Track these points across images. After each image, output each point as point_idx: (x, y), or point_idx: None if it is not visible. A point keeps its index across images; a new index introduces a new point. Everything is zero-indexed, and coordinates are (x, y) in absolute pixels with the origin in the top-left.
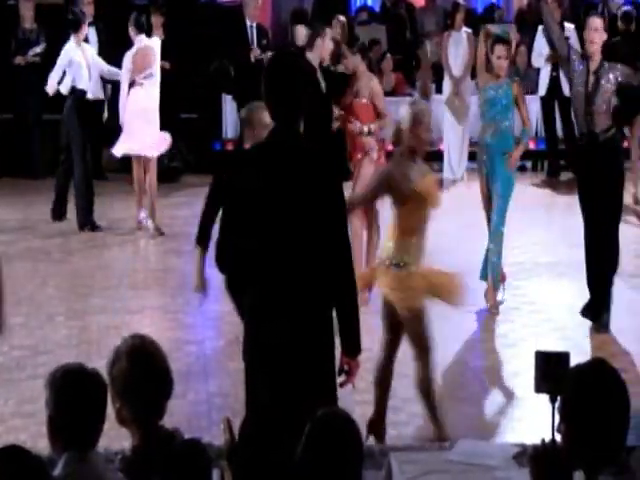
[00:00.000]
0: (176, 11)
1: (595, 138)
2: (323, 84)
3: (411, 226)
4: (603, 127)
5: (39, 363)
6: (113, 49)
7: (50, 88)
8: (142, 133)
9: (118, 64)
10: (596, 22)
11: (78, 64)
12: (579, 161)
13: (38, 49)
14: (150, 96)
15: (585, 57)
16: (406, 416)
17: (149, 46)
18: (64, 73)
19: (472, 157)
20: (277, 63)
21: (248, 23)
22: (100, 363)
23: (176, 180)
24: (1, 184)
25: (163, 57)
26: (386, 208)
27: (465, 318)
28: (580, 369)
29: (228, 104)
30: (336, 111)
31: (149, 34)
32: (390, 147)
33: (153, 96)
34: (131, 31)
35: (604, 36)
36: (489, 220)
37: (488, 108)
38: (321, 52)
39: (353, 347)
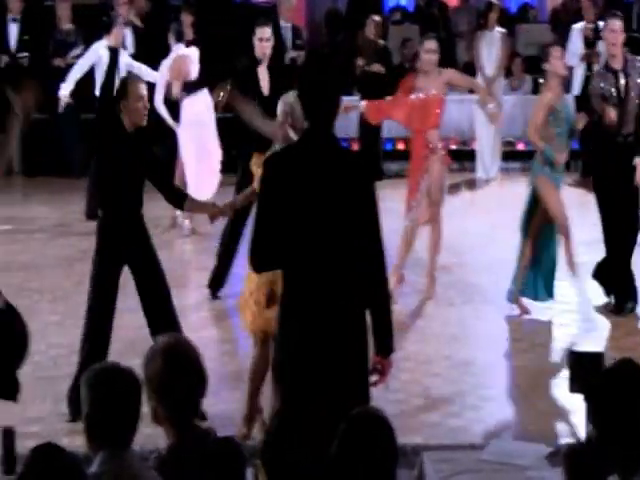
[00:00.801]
0: (210, 11)
1: (625, 138)
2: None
3: None
4: (630, 130)
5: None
6: (149, 49)
7: (64, 91)
8: (198, 142)
9: (154, 65)
10: (615, 23)
11: (105, 65)
12: (603, 161)
13: (78, 51)
14: (200, 106)
15: (609, 68)
16: (439, 416)
17: (185, 55)
18: (92, 74)
19: (505, 157)
20: (311, 64)
21: (282, 23)
22: (135, 362)
23: None
24: (38, 183)
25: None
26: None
27: (497, 317)
28: (608, 369)
29: None
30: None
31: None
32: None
33: (202, 104)
34: (170, 39)
35: (622, 36)
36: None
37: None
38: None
39: (386, 346)
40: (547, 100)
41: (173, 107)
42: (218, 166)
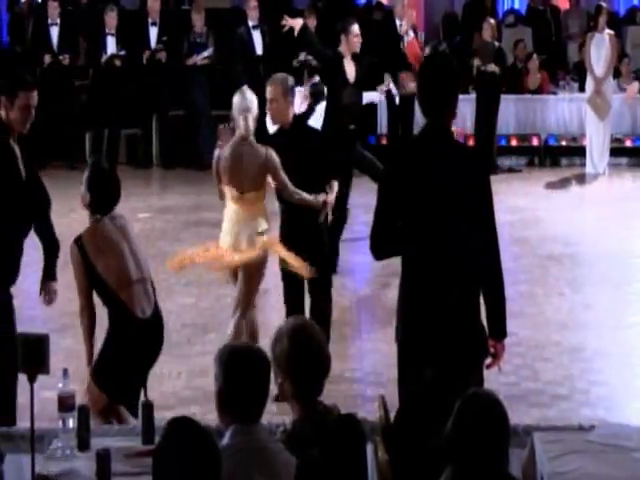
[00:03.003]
0: (334, 13)
1: None
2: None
3: None
4: None
5: (207, 340)
6: (277, 51)
7: None
8: None
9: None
10: None
11: None
12: None
13: (206, 53)
14: None
15: None
16: (548, 398)
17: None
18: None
19: (613, 153)
20: (429, 63)
21: (397, 22)
22: (263, 342)
23: None
24: (175, 174)
25: None
26: None
27: (606, 306)
28: None
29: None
30: None
31: None
32: None
33: None
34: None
35: None
36: None
37: None
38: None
39: (499, 330)
40: None
41: None
42: None
